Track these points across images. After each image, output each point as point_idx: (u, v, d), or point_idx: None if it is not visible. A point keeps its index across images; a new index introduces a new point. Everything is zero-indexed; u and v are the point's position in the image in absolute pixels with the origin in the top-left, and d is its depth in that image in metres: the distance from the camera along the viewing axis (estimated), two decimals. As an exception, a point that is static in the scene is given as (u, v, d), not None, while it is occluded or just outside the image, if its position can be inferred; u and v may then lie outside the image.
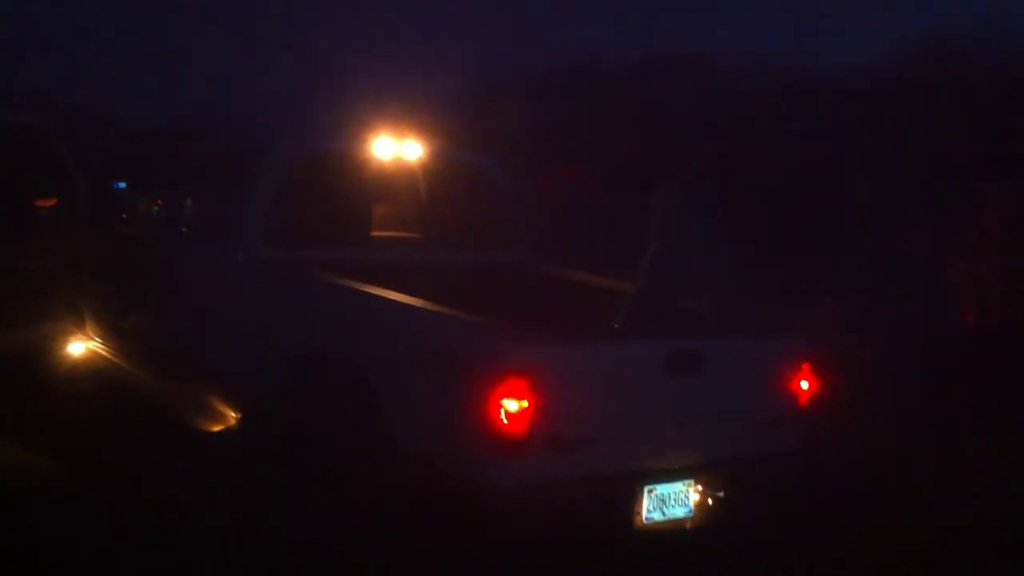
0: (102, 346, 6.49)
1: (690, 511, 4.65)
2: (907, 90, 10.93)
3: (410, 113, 6.47)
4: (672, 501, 4.59)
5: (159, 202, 6.45)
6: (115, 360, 6.34)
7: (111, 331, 6.44)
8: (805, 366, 4.94)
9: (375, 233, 6.21)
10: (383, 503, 4.40)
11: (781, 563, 4.97)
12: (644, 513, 4.51)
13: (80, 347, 6.51)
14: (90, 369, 6.40)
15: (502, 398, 4.12)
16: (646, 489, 4.50)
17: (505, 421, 4.12)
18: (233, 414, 5.33)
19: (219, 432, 5.28)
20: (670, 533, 4.65)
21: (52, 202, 6.37)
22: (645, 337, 4.85)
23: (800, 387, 4.93)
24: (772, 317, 5.51)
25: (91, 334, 6.57)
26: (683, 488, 4.61)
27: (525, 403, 4.14)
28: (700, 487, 4.66)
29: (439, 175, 6.20)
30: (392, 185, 6.15)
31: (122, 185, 6.76)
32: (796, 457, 4.98)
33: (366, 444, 4.49)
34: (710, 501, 4.66)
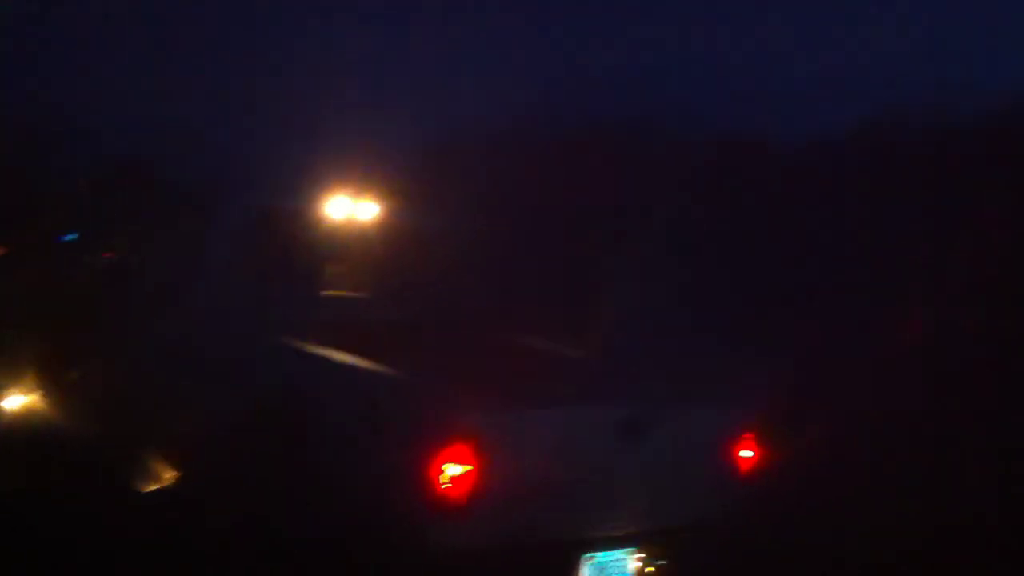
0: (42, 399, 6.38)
1: (630, 579, 4.66)
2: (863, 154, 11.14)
3: (369, 167, 6.52)
4: (611, 569, 4.60)
5: (108, 254, 6.42)
6: (56, 414, 6.24)
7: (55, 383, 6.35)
8: (748, 434, 5.00)
9: (327, 289, 6.22)
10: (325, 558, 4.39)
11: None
12: None
13: (19, 399, 6.38)
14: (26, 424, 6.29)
15: (445, 462, 4.14)
16: (585, 557, 4.51)
17: (447, 484, 4.14)
18: (172, 474, 5.29)
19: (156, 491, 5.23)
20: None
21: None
22: (592, 404, 4.85)
23: (744, 455, 4.99)
24: (718, 384, 5.57)
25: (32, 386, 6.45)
26: (623, 556, 4.63)
27: (468, 467, 4.16)
28: (641, 555, 4.67)
29: (391, 233, 6.23)
30: (343, 242, 6.17)
31: (73, 236, 6.71)
32: (738, 525, 5.02)
33: (311, 497, 4.49)
34: (649, 569, 4.68)
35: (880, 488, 6.04)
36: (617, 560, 4.61)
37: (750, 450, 5.00)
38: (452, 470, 4.15)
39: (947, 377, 7.55)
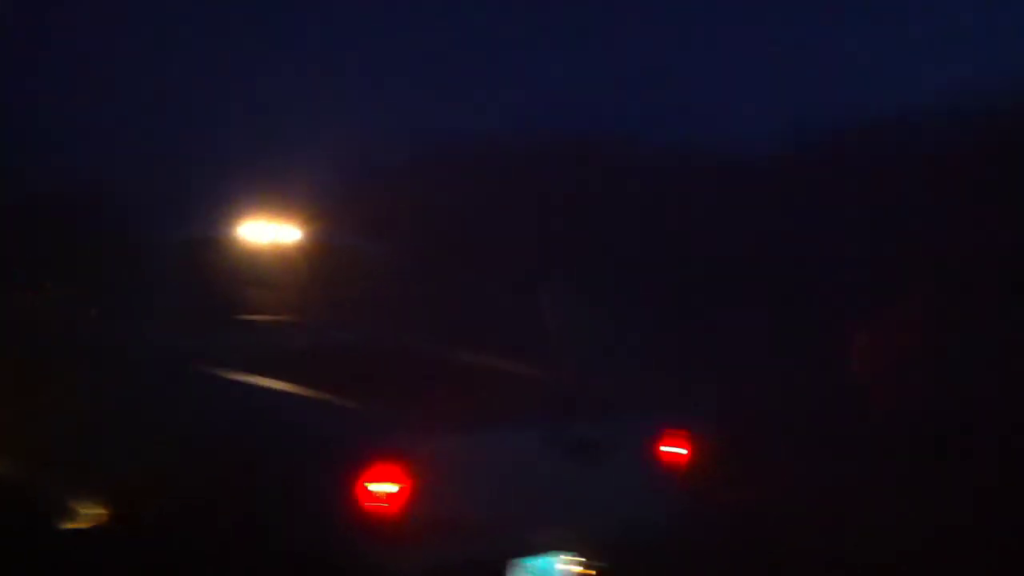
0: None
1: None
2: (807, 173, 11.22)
3: (297, 194, 6.53)
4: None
5: (33, 292, 6.36)
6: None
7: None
8: (684, 439, 5.01)
9: (256, 316, 6.17)
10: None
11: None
12: None
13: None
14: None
15: (374, 485, 4.12)
16: (512, 562, 4.47)
17: (378, 507, 4.11)
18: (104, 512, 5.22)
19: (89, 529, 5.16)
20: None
21: None
22: (525, 422, 4.74)
23: (680, 460, 5.00)
24: (653, 393, 5.60)
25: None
26: (553, 560, 4.58)
27: (397, 488, 4.14)
28: (578, 559, 4.64)
29: (318, 257, 6.21)
30: (275, 268, 6.14)
31: None
32: (681, 528, 5.03)
33: (244, 525, 4.46)
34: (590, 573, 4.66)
35: (819, 488, 6.07)
36: (547, 564, 4.58)
37: (686, 453, 5.03)
38: (382, 492, 4.13)
39: (942, 379, 7.61)
